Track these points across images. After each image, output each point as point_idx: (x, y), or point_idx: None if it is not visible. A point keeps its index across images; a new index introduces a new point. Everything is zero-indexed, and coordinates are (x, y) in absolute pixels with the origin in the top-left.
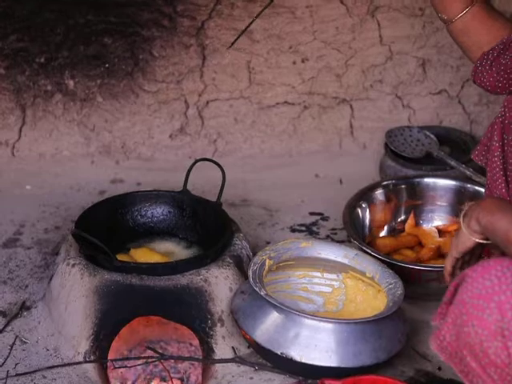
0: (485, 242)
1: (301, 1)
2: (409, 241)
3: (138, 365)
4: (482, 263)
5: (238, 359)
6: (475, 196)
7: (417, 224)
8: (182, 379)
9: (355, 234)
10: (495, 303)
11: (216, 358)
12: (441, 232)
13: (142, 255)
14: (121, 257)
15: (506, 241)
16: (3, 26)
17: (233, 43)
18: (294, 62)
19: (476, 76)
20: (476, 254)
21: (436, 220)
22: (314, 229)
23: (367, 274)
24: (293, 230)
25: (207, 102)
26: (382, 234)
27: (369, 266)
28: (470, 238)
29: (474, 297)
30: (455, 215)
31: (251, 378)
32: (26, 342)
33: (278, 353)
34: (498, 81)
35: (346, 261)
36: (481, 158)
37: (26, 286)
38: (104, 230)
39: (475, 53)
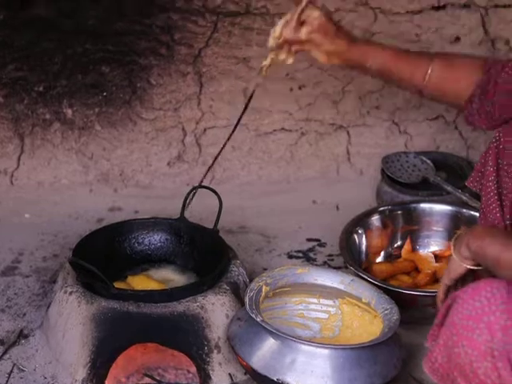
0: (476, 267)
1: None
2: (405, 266)
3: None
4: (471, 285)
5: None
6: (471, 221)
7: (413, 249)
8: None
9: (351, 260)
10: (485, 324)
11: None
12: (437, 257)
13: (140, 282)
14: (118, 284)
15: (496, 265)
16: (2, 55)
17: (202, 180)
18: (291, 89)
19: (470, 124)
20: (467, 281)
21: (432, 245)
22: (311, 255)
23: (363, 300)
24: (290, 257)
25: (204, 130)
26: (379, 259)
27: (365, 291)
28: (461, 265)
29: (464, 318)
30: (451, 240)
31: None
32: (23, 370)
33: (275, 379)
34: (491, 124)
35: (342, 287)
36: (475, 184)
37: (24, 314)
38: (101, 257)
39: (456, 100)
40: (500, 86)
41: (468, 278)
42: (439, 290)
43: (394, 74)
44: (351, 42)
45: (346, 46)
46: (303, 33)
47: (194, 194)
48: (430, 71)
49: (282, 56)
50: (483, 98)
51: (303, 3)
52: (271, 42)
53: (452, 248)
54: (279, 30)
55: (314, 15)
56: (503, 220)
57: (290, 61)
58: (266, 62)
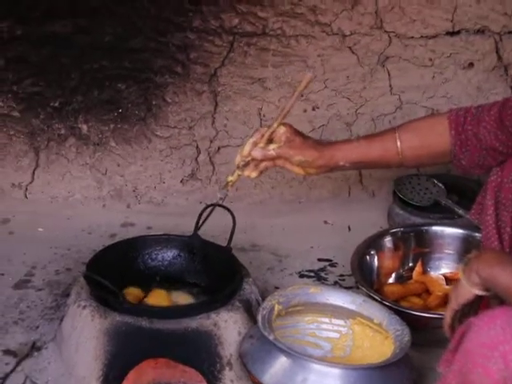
0: (485, 293)
1: (313, 50)
2: (416, 288)
3: None
4: (487, 312)
5: None
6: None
7: (424, 271)
8: None
9: (363, 281)
10: (499, 352)
11: None
12: (448, 280)
13: (155, 298)
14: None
15: (507, 293)
16: (19, 71)
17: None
18: (305, 110)
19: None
20: (475, 306)
21: (443, 268)
22: (323, 275)
23: (375, 321)
24: (301, 276)
25: (218, 148)
26: (390, 281)
27: (376, 312)
28: (470, 291)
29: (479, 345)
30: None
31: None
32: (36, 383)
33: None
34: (487, 170)
35: (353, 307)
36: (477, 217)
37: (37, 327)
38: (115, 272)
39: (439, 160)
40: (484, 142)
41: (475, 302)
42: (446, 313)
43: (369, 163)
44: (319, 149)
45: (315, 154)
46: (272, 149)
47: (211, 211)
48: (399, 146)
49: (248, 172)
50: (469, 155)
51: (275, 125)
52: (238, 159)
53: (461, 273)
54: (248, 150)
55: (281, 131)
56: None
57: (254, 175)
58: (233, 178)
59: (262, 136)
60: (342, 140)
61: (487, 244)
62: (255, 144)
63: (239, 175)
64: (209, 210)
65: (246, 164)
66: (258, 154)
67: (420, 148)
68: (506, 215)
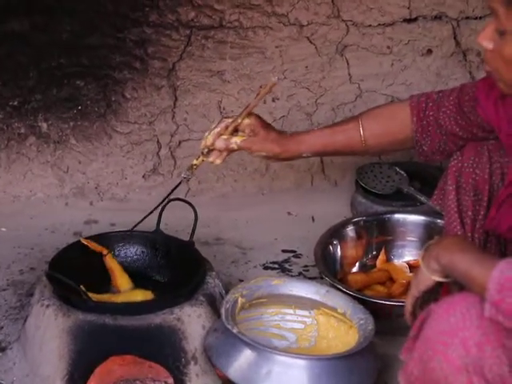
0: (445, 280)
1: (270, 41)
2: (380, 276)
3: None
4: (447, 299)
5: None
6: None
7: (388, 259)
8: None
9: (327, 271)
10: (459, 339)
11: None
12: (411, 267)
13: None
14: (98, 296)
15: (466, 280)
16: None
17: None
18: (265, 102)
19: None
20: (435, 292)
21: (407, 255)
22: (287, 266)
23: (339, 310)
24: (266, 268)
25: (179, 142)
26: (354, 270)
27: (340, 302)
28: (429, 278)
29: (439, 332)
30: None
31: None
32: (1, 383)
33: None
34: (448, 156)
35: (317, 297)
36: (439, 202)
37: (1, 328)
38: (78, 270)
39: (402, 146)
40: (445, 127)
41: (436, 289)
42: (407, 301)
43: (333, 151)
44: (281, 143)
45: (276, 150)
46: (234, 142)
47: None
48: (362, 134)
49: (212, 158)
50: (430, 141)
51: (239, 120)
52: (203, 146)
53: (421, 260)
54: (211, 140)
55: (246, 122)
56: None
57: (218, 162)
58: (197, 162)
59: (227, 128)
60: (305, 131)
61: (450, 229)
62: (219, 134)
63: (203, 160)
64: (170, 203)
65: (210, 151)
66: (221, 144)
67: (383, 135)
68: (467, 199)
